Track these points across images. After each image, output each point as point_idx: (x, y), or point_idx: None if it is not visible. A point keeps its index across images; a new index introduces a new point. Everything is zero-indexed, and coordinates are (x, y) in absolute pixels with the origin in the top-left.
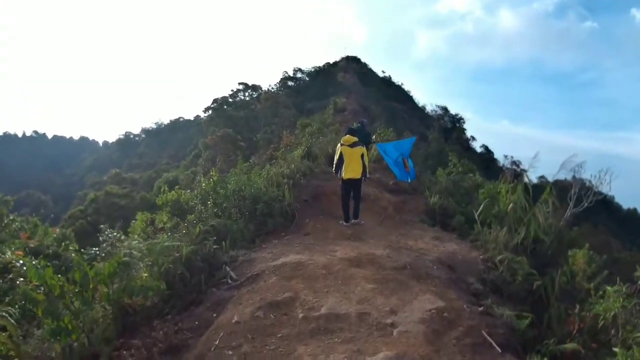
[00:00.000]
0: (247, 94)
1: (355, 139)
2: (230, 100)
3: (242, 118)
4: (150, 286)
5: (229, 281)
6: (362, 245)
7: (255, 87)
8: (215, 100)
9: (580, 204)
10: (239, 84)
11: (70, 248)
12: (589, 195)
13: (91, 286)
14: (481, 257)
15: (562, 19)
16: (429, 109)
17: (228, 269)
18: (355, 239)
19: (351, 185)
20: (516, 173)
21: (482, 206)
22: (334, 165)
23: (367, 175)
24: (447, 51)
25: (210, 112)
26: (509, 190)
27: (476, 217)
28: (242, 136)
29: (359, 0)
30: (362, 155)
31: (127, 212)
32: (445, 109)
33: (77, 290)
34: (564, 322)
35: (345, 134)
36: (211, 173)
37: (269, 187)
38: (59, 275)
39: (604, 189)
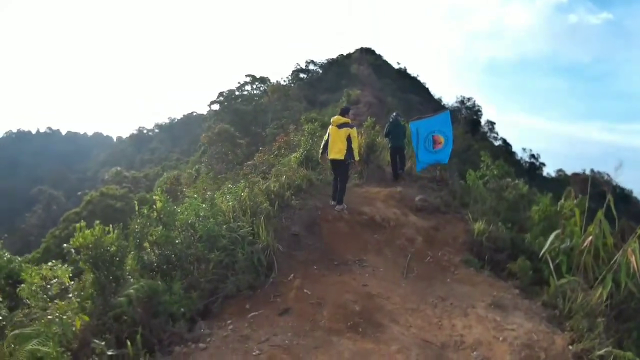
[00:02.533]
0: (254, 86)
1: (346, 119)
2: (237, 93)
3: (249, 112)
4: None
5: None
6: (376, 351)
7: (263, 79)
8: (221, 94)
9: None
10: (246, 75)
11: None
12: None
13: None
14: (571, 348)
15: (575, 12)
16: (448, 100)
17: None
18: (367, 324)
19: (335, 167)
20: (533, 167)
21: (549, 241)
22: (322, 146)
23: (353, 159)
24: (460, 45)
25: (215, 106)
26: (583, 216)
27: (549, 261)
28: (250, 131)
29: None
30: (349, 137)
31: (124, 215)
32: (462, 101)
33: None
34: None
35: (338, 114)
36: (155, 197)
37: (241, 217)
38: None
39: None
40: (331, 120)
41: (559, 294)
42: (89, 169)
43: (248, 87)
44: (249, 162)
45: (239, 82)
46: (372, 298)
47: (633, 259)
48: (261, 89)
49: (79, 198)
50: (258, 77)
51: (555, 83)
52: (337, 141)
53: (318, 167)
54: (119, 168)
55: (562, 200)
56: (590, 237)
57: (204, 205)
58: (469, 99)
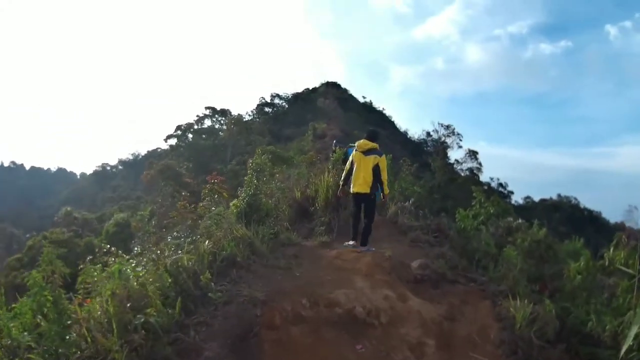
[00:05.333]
0: (214, 119)
1: (374, 144)
2: (197, 127)
3: (208, 147)
4: None
5: None
6: None
7: (224, 112)
8: (178, 127)
9: None
10: (206, 108)
11: None
12: None
13: None
14: None
15: (533, 42)
16: (413, 132)
17: None
18: None
19: (361, 201)
20: (502, 196)
21: (631, 333)
22: (343, 176)
23: (382, 192)
24: (420, 84)
25: (173, 140)
26: None
27: None
28: (209, 167)
29: (335, 36)
30: (377, 167)
31: (67, 263)
32: (428, 133)
33: None
34: None
35: (365, 137)
36: None
37: (101, 340)
38: None
39: None
40: (355, 145)
41: None
42: (50, 206)
43: (208, 121)
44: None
45: (197, 115)
46: None
47: None
48: (222, 122)
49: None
50: (219, 109)
51: (516, 112)
52: (362, 170)
53: (268, 219)
54: (68, 208)
55: (611, 251)
56: None
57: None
58: (447, 127)
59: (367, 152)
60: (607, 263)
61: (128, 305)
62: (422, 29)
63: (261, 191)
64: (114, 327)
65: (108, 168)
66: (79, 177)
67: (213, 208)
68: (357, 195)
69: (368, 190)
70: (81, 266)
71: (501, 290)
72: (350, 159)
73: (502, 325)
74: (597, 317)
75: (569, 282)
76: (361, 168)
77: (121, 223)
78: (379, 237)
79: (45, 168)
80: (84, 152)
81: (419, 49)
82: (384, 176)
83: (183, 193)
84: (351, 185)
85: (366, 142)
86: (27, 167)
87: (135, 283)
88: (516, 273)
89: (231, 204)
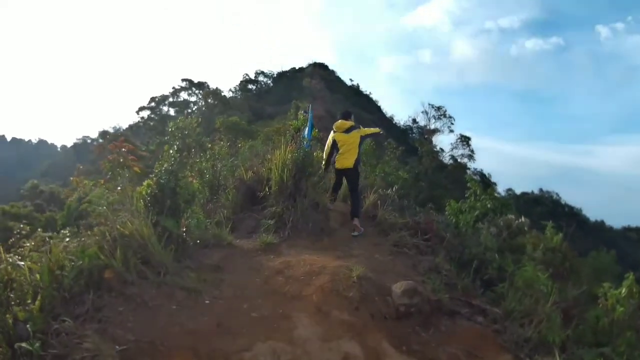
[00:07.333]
0: (190, 92)
1: (351, 123)
2: (172, 99)
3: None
4: None
5: None
6: None
7: (201, 85)
8: (152, 99)
9: None
10: (183, 80)
11: None
12: None
13: None
14: None
15: (525, 37)
16: (399, 118)
17: None
18: None
19: (345, 176)
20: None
21: None
22: (324, 158)
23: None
24: (407, 75)
25: (145, 112)
26: None
27: None
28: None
29: (325, 20)
30: (362, 139)
31: (25, 239)
32: (414, 120)
33: None
34: None
35: (339, 119)
36: None
37: None
38: None
39: None
40: (334, 126)
41: None
42: (30, 179)
43: (184, 94)
44: None
45: (173, 87)
46: None
47: None
48: (199, 95)
49: None
50: (196, 82)
51: (503, 106)
52: (349, 149)
53: (192, 207)
54: (35, 181)
55: None
56: None
57: None
58: (438, 108)
59: (347, 131)
60: None
61: None
62: (413, 17)
63: (183, 168)
64: None
65: (89, 141)
66: (59, 149)
67: (119, 188)
68: (342, 170)
69: (352, 165)
70: None
71: (527, 337)
72: (330, 141)
73: None
74: None
75: (603, 313)
76: (347, 147)
77: (82, 198)
78: (351, 237)
79: (27, 140)
80: (66, 124)
81: (408, 38)
82: (370, 131)
83: (80, 166)
84: (335, 162)
85: (343, 122)
86: (9, 139)
87: None
88: (547, 309)
89: (144, 183)
